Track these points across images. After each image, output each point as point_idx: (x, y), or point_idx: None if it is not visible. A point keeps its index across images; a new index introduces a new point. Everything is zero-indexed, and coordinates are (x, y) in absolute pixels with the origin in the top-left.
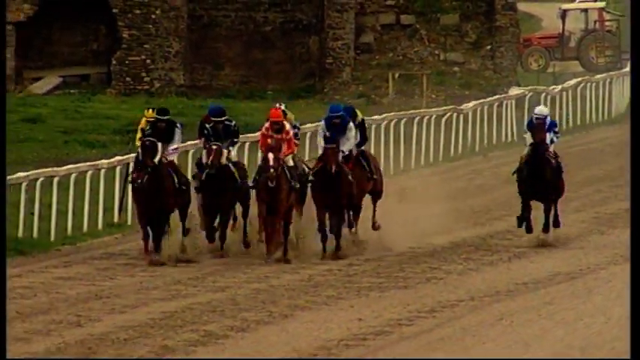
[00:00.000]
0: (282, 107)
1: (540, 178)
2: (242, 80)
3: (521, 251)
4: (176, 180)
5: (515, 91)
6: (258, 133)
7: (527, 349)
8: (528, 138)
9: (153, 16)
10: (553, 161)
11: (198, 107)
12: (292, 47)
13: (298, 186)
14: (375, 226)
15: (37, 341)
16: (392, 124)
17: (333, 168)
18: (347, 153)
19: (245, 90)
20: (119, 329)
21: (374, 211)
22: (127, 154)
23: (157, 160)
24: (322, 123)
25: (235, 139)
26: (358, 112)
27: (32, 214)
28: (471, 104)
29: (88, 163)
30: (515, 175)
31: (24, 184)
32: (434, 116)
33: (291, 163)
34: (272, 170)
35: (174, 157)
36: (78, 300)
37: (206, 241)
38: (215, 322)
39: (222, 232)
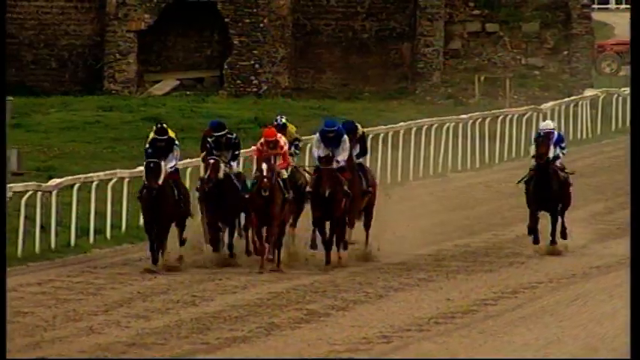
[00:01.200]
0: (284, 120)
1: (546, 190)
2: (341, 83)
3: (597, 237)
4: (176, 192)
5: (589, 92)
6: None
7: (600, 326)
8: (532, 151)
9: (261, 25)
10: (560, 173)
11: (302, 107)
12: (387, 53)
13: (292, 197)
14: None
15: (156, 318)
16: (477, 122)
17: (327, 192)
18: (342, 163)
19: (344, 92)
20: (231, 308)
21: (367, 235)
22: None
23: (161, 181)
24: (316, 136)
25: (237, 152)
26: (359, 127)
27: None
28: (549, 104)
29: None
30: (520, 184)
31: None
32: (516, 115)
33: (285, 175)
34: (265, 180)
35: (171, 170)
36: (193, 282)
37: (212, 250)
38: (317, 302)
39: (229, 242)
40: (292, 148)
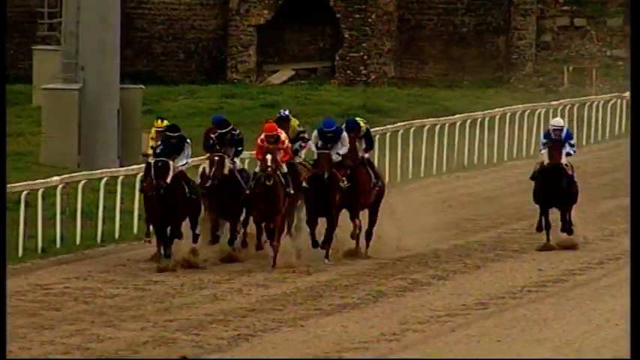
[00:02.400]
0: (287, 112)
1: (555, 187)
2: (442, 73)
3: None
4: (187, 189)
5: None
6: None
7: None
8: (545, 153)
9: (369, 20)
10: (568, 170)
11: (406, 95)
12: (484, 45)
13: (293, 192)
14: (352, 234)
15: (274, 287)
16: (566, 108)
17: (326, 174)
18: (341, 157)
19: (445, 81)
20: (341, 277)
21: (356, 216)
22: None
23: (169, 179)
24: (315, 133)
25: (240, 148)
26: (362, 124)
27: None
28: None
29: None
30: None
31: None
32: (601, 102)
33: (285, 170)
34: (270, 169)
35: (184, 168)
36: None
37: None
38: (420, 272)
39: (232, 236)
40: (299, 142)
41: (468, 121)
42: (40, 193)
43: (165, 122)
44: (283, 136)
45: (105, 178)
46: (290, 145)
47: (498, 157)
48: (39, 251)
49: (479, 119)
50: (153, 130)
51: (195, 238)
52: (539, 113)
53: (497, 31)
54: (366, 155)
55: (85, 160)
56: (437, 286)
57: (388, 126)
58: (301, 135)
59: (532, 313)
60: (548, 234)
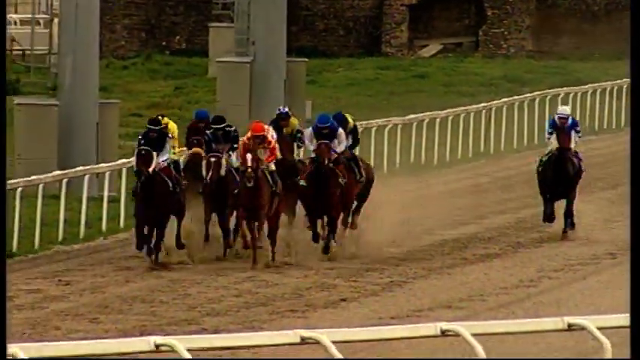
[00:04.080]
0: (286, 110)
1: (563, 178)
2: (575, 46)
3: None
4: (170, 184)
5: None
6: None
7: None
8: (553, 139)
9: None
10: (575, 160)
11: (542, 67)
12: (613, 22)
13: (280, 190)
14: (352, 226)
15: (423, 239)
16: None
17: (326, 161)
18: (339, 153)
19: (577, 54)
20: (485, 230)
21: (355, 213)
22: (490, 101)
23: (151, 168)
24: (310, 131)
25: (235, 145)
26: (349, 119)
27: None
28: None
29: (462, 108)
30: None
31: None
32: None
33: (273, 168)
34: (250, 170)
35: (166, 164)
36: (452, 208)
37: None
38: (555, 226)
39: (226, 231)
40: (295, 142)
41: (598, 90)
42: None
43: (165, 120)
44: (270, 135)
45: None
46: (277, 145)
47: (625, 123)
48: None
49: (607, 89)
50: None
51: (178, 234)
52: None
53: (626, 9)
54: (351, 152)
55: None
56: (571, 238)
57: (527, 95)
58: (297, 135)
59: None
60: (552, 218)
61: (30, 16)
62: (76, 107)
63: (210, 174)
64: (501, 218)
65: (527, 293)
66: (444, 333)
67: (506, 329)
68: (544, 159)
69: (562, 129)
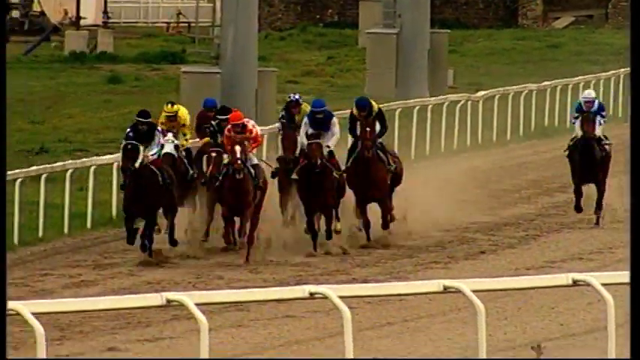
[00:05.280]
0: (297, 97)
1: (590, 163)
2: None
3: None
4: (160, 178)
5: None
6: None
7: None
8: (578, 125)
9: None
10: (604, 144)
11: None
12: None
13: (262, 185)
14: (390, 219)
15: (481, 219)
16: None
17: (318, 161)
18: (332, 148)
19: None
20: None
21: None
22: (618, 69)
23: (137, 163)
24: (305, 119)
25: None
26: (374, 104)
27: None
28: None
29: (584, 77)
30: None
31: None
32: None
33: (255, 161)
34: (239, 162)
35: (156, 157)
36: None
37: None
38: None
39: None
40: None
41: None
42: None
43: (176, 107)
44: (250, 124)
45: (417, 107)
46: (260, 133)
47: None
48: None
49: None
50: (163, 114)
51: (171, 229)
52: None
53: None
54: (380, 140)
55: (400, 91)
56: None
57: None
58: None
59: None
60: (579, 206)
61: None
62: (237, 75)
63: (210, 168)
64: (537, 205)
65: None
66: (575, 283)
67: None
68: (570, 144)
69: (587, 114)
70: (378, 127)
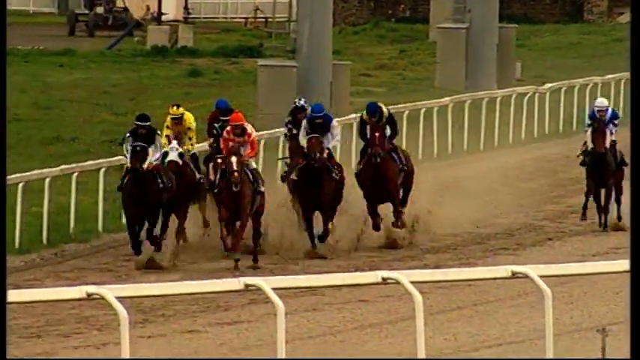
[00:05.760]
0: (302, 102)
1: (603, 169)
2: None
3: None
4: (160, 182)
5: None
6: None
7: None
8: (589, 135)
9: None
10: (615, 152)
11: None
12: None
13: (263, 189)
14: (397, 224)
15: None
16: None
17: (317, 155)
18: (331, 149)
19: None
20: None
21: (402, 205)
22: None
23: (146, 165)
24: (304, 123)
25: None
26: (384, 108)
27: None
28: None
29: None
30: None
31: None
32: None
33: (253, 165)
34: (236, 174)
35: (156, 162)
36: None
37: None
38: None
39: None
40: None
41: None
42: (434, 111)
43: (181, 109)
44: (249, 128)
45: (486, 99)
46: (256, 138)
47: None
48: None
49: None
50: (168, 117)
51: (157, 245)
52: None
53: None
54: (392, 142)
55: (469, 84)
56: None
57: None
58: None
59: None
60: (600, 217)
61: None
62: (312, 68)
63: (217, 176)
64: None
65: None
66: None
67: None
68: (582, 152)
69: (599, 123)
70: (388, 131)
